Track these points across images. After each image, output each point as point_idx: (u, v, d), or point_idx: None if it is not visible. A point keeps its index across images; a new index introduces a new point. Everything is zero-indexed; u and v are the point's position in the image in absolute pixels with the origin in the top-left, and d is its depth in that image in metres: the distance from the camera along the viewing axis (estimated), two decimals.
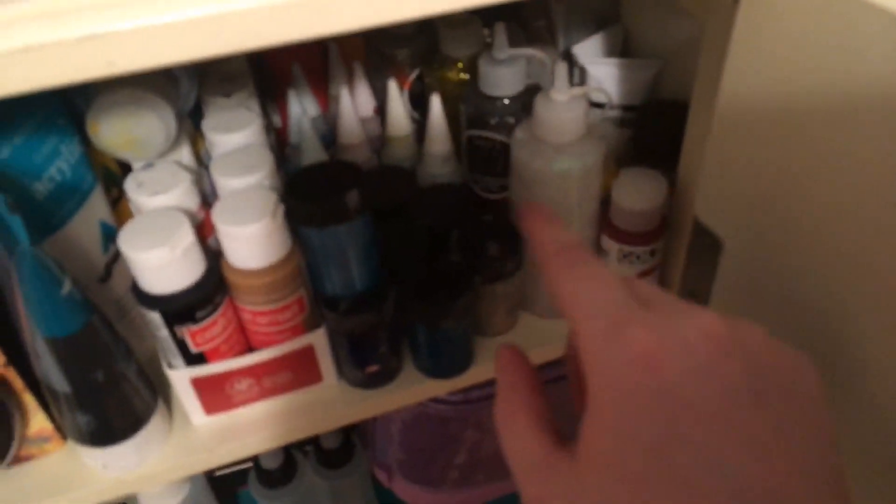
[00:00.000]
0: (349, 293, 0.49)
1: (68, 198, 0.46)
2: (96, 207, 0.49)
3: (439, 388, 0.56)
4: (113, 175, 0.52)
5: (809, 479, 0.19)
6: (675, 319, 0.21)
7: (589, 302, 0.22)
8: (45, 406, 0.48)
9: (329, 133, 0.60)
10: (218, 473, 0.77)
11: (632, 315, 0.21)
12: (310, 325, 0.51)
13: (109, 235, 0.50)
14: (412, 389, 0.55)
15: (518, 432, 0.24)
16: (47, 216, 0.45)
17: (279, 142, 0.60)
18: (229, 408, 0.53)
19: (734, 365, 0.20)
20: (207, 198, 0.50)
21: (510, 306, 0.56)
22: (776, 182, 0.37)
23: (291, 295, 0.48)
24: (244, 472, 0.73)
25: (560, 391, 0.64)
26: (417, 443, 0.66)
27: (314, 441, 0.72)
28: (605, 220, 0.54)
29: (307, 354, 0.52)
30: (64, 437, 0.50)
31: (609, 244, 0.54)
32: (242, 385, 0.51)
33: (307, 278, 0.49)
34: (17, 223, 0.38)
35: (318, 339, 0.51)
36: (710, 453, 0.19)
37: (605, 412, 0.20)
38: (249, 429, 0.53)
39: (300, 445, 0.76)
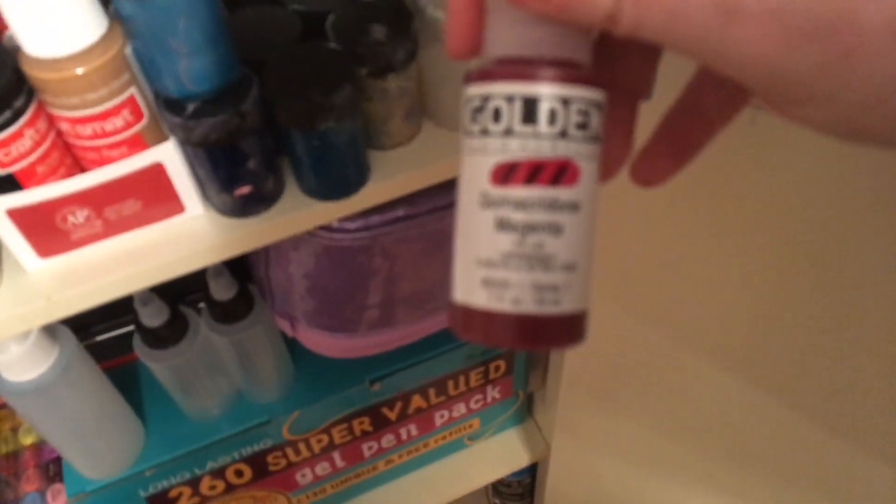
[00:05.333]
0: (198, 91, 0.39)
1: None
2: None
3: (330, 211, 0.47)
4: None
5: None
6: None
7: None
8: None
9: None
10: (101, 338, 0.68)
11: None
12: (154, 139, 0.41)
13: None
14: (296, 214, 0.46)
15: None
16: None
17: None
18: (69, 248, 0.43)
19: None
20: None
21: (408, 109, 0.46)
22: None
23: (117, 95, 0.37)
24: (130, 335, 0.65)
25: None
26: (320, 283, 0.58)
27: (205, 294, 0.64)
28: None
29: (156, 176, 0.42)
30: None
31: None
32: (79, 218, 0.42)
33: (140, 74, 0.38)
34: None
35: (168, 156, 0.41)
36: None
37: None
38: (97, 272, 0.43)
39: (192, 302, 0.68)
